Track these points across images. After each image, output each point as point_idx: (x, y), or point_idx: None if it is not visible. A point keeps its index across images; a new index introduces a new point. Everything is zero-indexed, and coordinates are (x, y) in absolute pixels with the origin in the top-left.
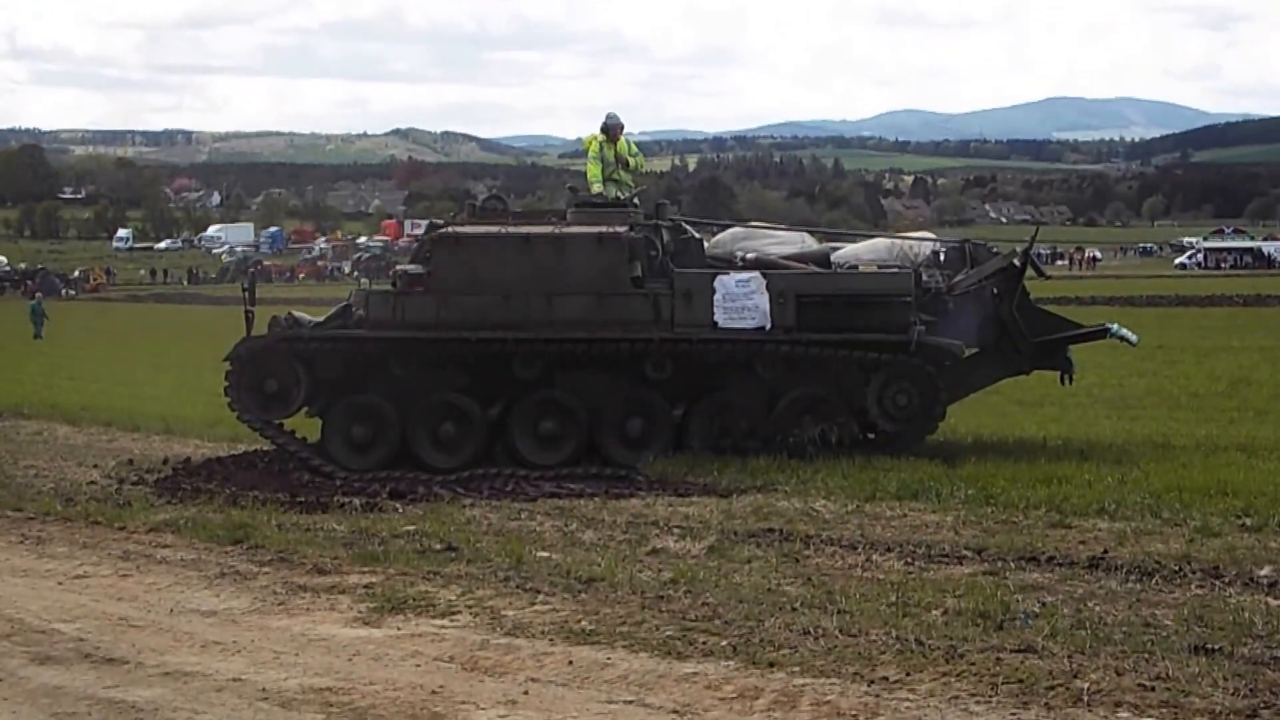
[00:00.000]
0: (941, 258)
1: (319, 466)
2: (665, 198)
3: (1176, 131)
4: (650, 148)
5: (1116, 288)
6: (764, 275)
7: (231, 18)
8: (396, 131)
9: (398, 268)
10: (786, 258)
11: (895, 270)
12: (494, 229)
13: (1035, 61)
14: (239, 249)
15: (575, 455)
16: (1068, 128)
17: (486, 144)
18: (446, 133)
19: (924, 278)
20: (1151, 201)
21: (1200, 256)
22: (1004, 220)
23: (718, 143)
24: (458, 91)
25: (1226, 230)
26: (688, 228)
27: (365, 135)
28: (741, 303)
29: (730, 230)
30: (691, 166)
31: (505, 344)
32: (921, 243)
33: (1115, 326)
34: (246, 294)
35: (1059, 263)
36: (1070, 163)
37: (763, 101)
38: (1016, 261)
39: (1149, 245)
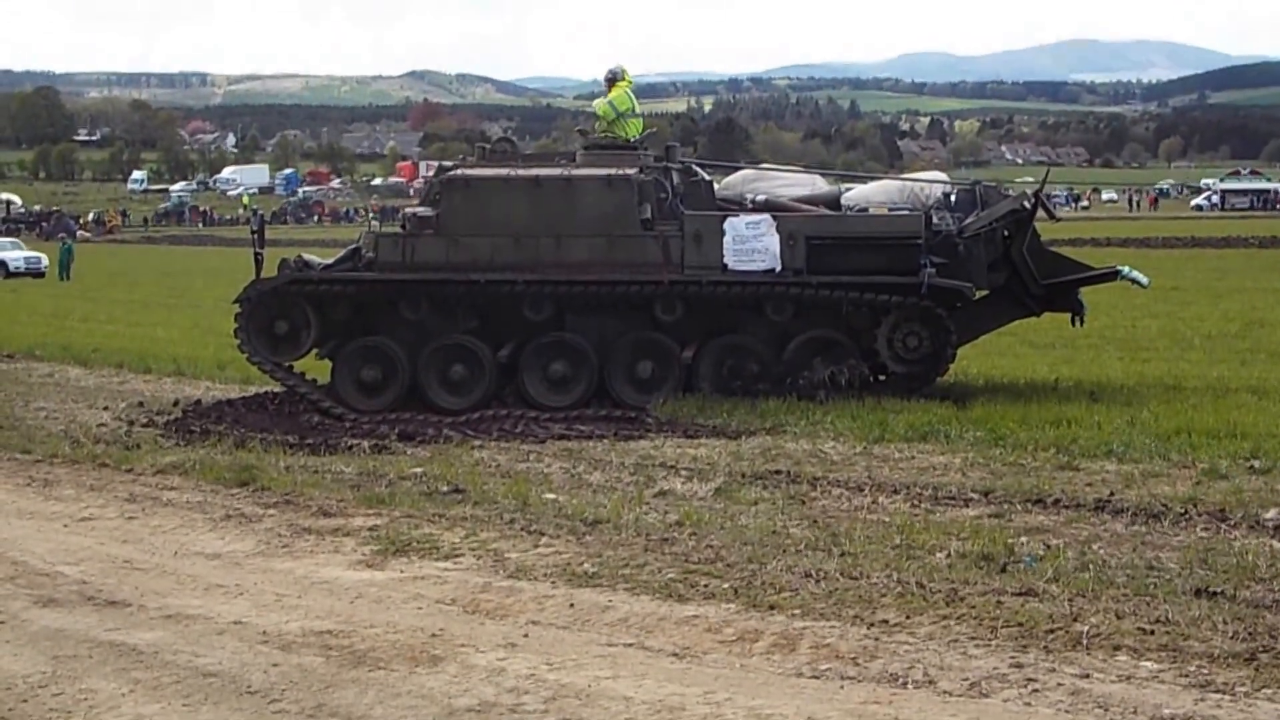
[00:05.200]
0: (952, 200)
1: (328, 408)
2: (680, 139)
3: (1195, 73)
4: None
5: (1132, 229)
6: (774, 217)
7: None
8: (412, 74)
9: (407, 210)
10: (796, 200)
11: (905, 212)
12: (503, 171)
13: (1054, 2)
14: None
15: (585, 397)
16: (1086, 69)
17: (502, 85)
18: (462, 74)
19: (934, 220)
20: (1168, 143)
21: (1217, 198)
22: (1020, 162)
23: (734, 84)
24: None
25: (1243, 172)
26: (698, 170)
27: (381, 77)
28: (751, 245)
29: (740, 172)
30: (707, 108)
31: (515, 286)
32: (932, 185)
33: (1126, 269)
34: (255, 236)
35: (1081, 204)
36: (1087, 104)
37: (779, 42)
38: (1027, 203)
39: (1164, 186)
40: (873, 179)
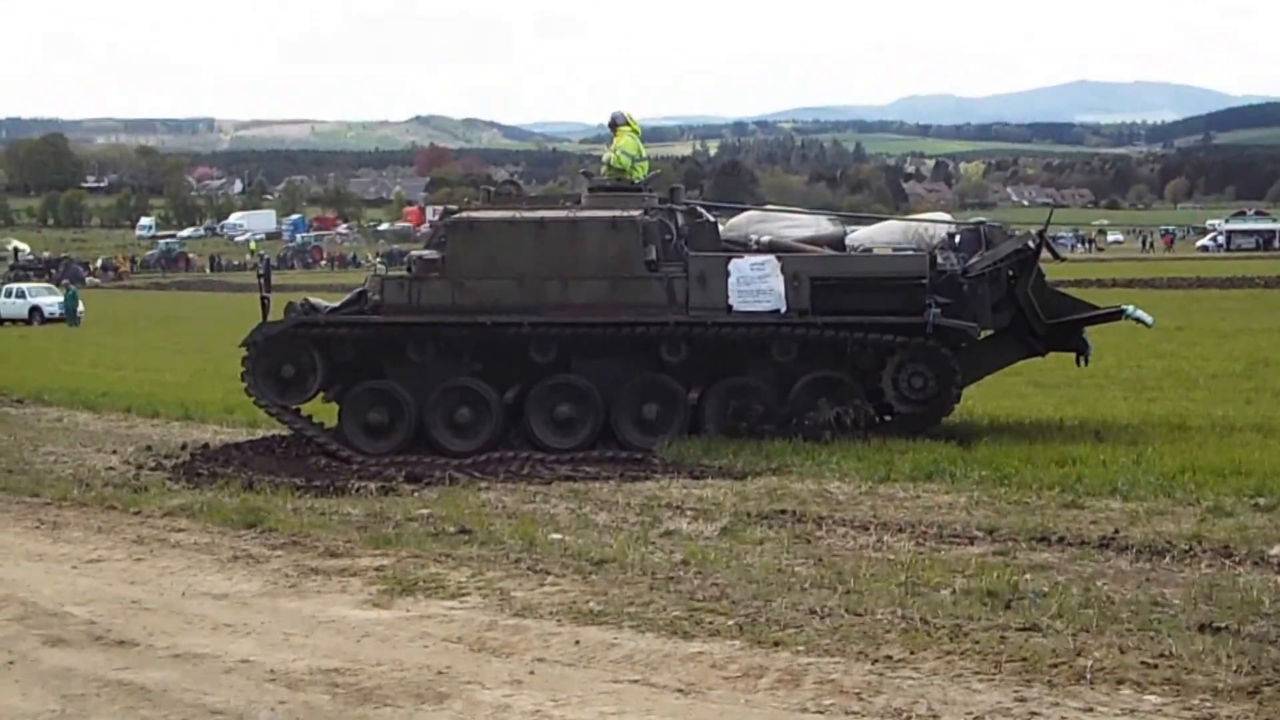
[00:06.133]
0: (956, 240)
1: (335, 451)
2: (685, 183)
3: (1199, 114)
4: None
5: (1137, 270)
6: (778, 258)
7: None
8: (418, 118)
9: (413, 253)
10: (801, 241)
11: (910, 253)
12: (508, 214)
13: (1057, 45)
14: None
15: (591, 439)
16: (1090, 111)
17: (508, 130)
18: (468, 119)
19: (939, 260)
20: (1174, 184)
21: (1223, 238)
22: (1025, 203)
23: (739, 127)
24: (480, 75)
25: (1248, 212)
26: (702, 211)
27: (387, 123)
28: (756, 286)
29: (745, 213)
30: (712, 151)
31: (520, 328)
32: (936, 225)
33: (1131, 308)
34: (261, 280)
35: (1079, 248)
36: (1092, 146)
37: (784, 86)
38: (1031, 243)
39: (1169, 227)
40: (877, 220)
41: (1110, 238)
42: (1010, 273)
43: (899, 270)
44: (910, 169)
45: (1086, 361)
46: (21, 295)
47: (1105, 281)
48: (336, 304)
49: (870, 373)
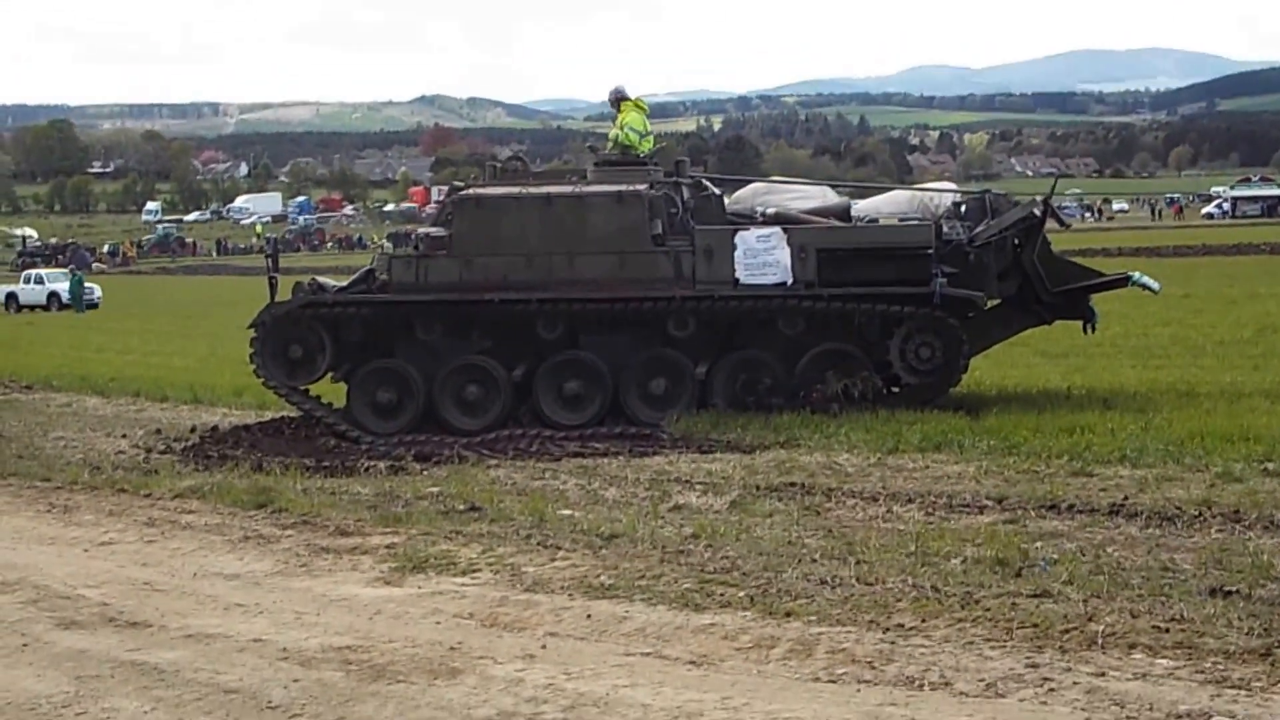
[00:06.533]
0: (962, 209)
1: (345, 431)
2: (690, 158)
3: (1203, 81)
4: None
5: (1143, 239)
6: (784, 230)
7: None
8: (422, 99)
9: (419, 231)
10: (807, 212)
11: (916, 223)
12: (514, 190)
13: (1060, 11)
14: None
15: (599, 415)
16: (1094, 79)
17: (513, 109)
18: (473, 99)
19: (945, 229)
20: (1178, 151)
21: (1228, 205)
22: (1030, 174)
23: (743, 102)
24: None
25: (1254, 179)
26: (708, 184)
27: (391, 103)
28: (762, 258)
29: (750, 186)
30: (717, 127)
31: (528, 305)
32: (942, 194)
33: (1137, 274)
34: (270, 260)
35: (1088, 217)
36: (1096, 115)
37: (787, 60)
38: (1037, 211)
39: (1174, 195)
40: (883, 190)
41: (1116, 206)
42: (1016, 241)
43: (905, 240)
44: (915, 141)
45: (1094, 330)
46: (40, 281)
47: (1111, 250)
48: (344, 283)
49: (877, 344)
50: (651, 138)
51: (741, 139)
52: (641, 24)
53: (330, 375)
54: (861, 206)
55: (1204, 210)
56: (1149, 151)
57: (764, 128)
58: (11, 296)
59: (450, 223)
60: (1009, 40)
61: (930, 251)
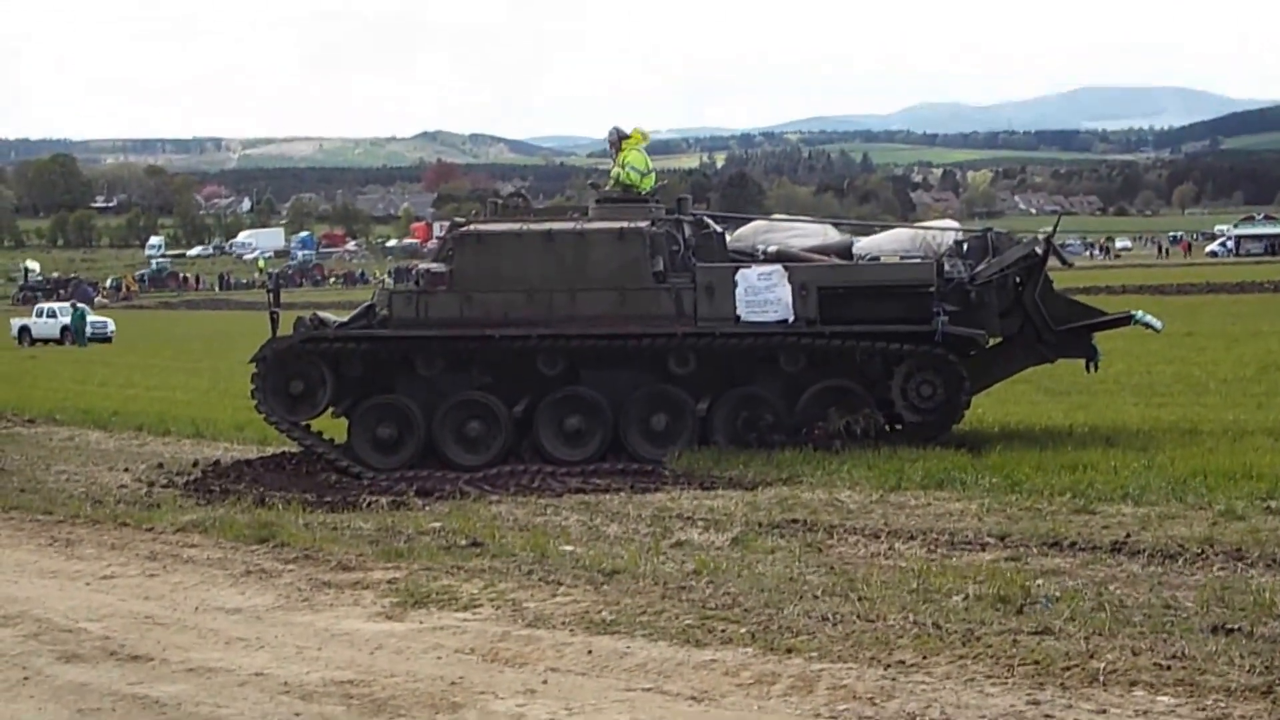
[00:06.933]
0: (964, 248)
1: (346, 467)
2: (693, 195)
3: (1206, 119)
4: (678, 145)
5: (1145, 276)
6: (786, 268)
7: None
8: (425, 134)
9: (420, 266)
10: (808, 250)
11: (917, 260)
12: (516, 226)
13: (1063, 50)
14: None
15: (600, 451)
16: (1097, 117)
17: (515, 145)
18: (475, 135)
19: (946, 267)
20: (1182, 189)
21: (1231, 243)
22: (1034, 211)
23: (746, 139)
24: (486, 92)
25: (1257, 217)
26: (709, 222)
27: (394, 139)
28: (764, 296)
29: (752, 224)
30: (720, 164)
31: (529, 340)
32: (944, 232)
33: (1139, 313)
34: (271, 295)
35: (1088, 253)
36: (1099, 152)
37: (790, 97)
38: (1039, 250)
39: (1177, 233)
40: (884, 228)
41: (1119, 244)
42: (1018, 279)
43: (907, 278)
44: (918, 178)
45: (1096, 367)
46: (53, 315)
47: (1115, 288)
48: (345, 319)
49: (879, 381)
50: (653, 175)
51: (744, 176)
52: (644, 62)
53: (331, 410)
54: (863, 244)
55: (1208, 248)
56: (1152, 189)
57: (767, 165)
58: (25, 330)
59: (451, 258)
60: (1012, 78)
61: (932, 289)
